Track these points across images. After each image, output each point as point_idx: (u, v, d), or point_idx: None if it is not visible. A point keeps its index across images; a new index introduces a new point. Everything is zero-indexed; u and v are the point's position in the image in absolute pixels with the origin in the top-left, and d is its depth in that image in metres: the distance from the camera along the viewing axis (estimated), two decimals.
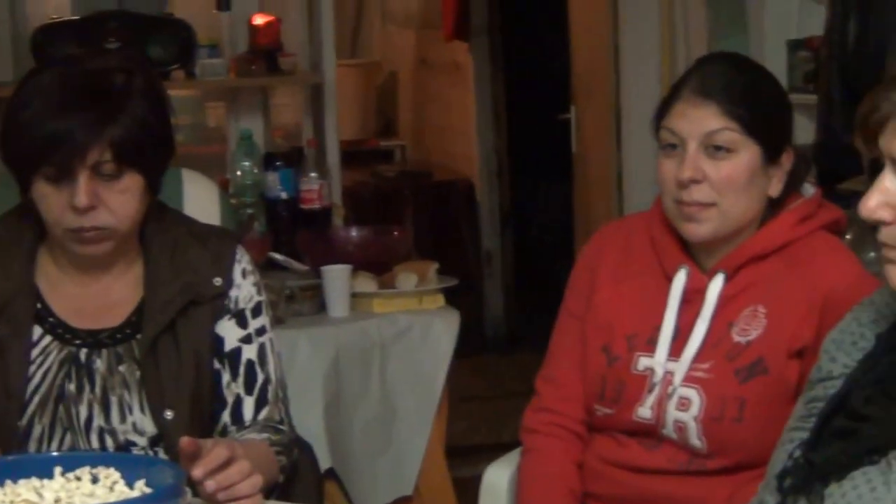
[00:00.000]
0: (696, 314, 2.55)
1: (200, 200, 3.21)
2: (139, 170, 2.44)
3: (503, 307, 7.67)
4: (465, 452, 4.59)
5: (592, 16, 5.81)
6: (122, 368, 2.52)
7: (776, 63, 4.05)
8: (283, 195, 4.31)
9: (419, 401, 3.97)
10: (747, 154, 2.53)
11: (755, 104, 2.58)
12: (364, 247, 4.43)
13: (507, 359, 7.24)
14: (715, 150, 2.51)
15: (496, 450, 3.15)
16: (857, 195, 2.34)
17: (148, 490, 2.00)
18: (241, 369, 2.59)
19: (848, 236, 2.77)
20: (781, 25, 4.50)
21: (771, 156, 2.56)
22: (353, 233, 4.59)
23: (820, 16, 3.92)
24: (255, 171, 4.35)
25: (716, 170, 2.50)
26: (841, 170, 3.35)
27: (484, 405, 6.14)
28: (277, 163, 4.37)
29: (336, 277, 3.71)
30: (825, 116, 3.83)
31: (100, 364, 2.52)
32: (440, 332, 3.99)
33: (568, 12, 6.17)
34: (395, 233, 4.76)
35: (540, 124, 7.34)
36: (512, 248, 7.90)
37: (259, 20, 4.76)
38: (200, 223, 2.73)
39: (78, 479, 2.03)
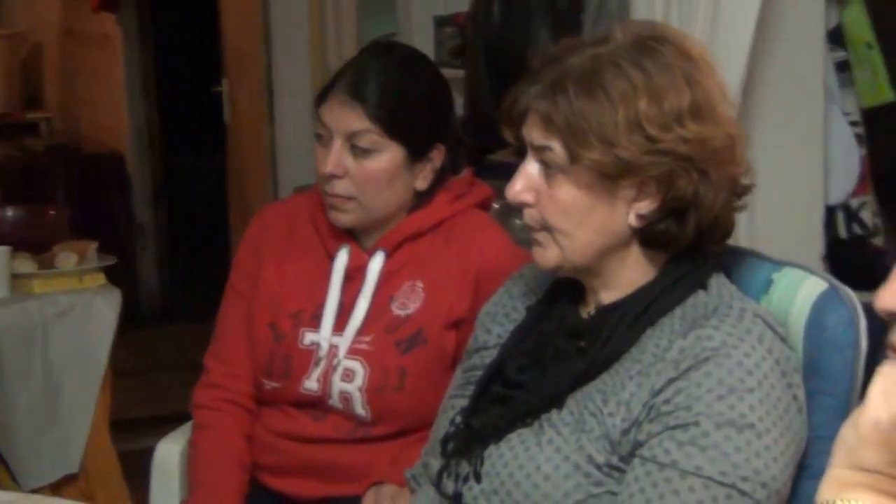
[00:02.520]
0: (359, 290, 2.58)
1: None
2: None
3: (157, 281, 7.55)
4: (124, 427, 4.51)
5: None
6: None
7: (424, 39, 4.06)
8: None
9: (83, 378, 3.88)
10: (389, 154, 2.55)
11: (400, 108, 2.59)
12: (20, 227, 4.28)
13: (161, 332, 7.14)
14: (358, 149, 2.54)
15: (155, 423, 3.15)
16: (504, 166, 2.42)
17: None
18: None
19: (496, 205, 2.86)
20: (428, 2, 4.50)
21: (416, 154, 2.60)
22: (9, 212, 4.40)
23: None
24: None
25: (357, 167, 2.53)
26: (489, 142, 3.35)
27: (140, 379, 6.05)
28: None
29: None
30: (473, 93, 3.82)
31: None
32: (102, 309, 3.91)
33: None
34: (52, 212, 4.59)
35: (192, 97, 7.17)
36: (165, 221, 7.76)
37: None
38: None
39: None
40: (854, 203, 3.42)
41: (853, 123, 3.42)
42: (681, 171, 1.88)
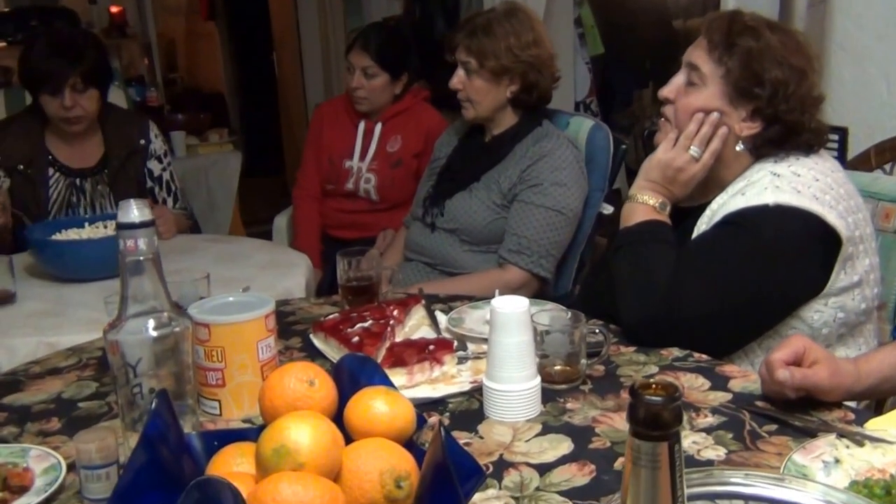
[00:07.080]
0: (371, 140, 3.34)
1: None
2: (96, 86, 2.91)
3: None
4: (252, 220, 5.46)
5: None
6: (99, 188, 2.97)
7: None
8: None
9: (226, 194, 4.92)
10: (384, 77, 3.37)
11: (389, 52, 3.34)
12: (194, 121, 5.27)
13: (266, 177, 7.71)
14: (367, 75, 3.33)
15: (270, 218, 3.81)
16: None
17: None
18: (164, 185, 3.13)
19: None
20: None
21: (396, 76, 3.37)
22: (179, 116, 5.37)
23: None
24: None
25: (369, 84, 3.35)
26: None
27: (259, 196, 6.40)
28: None
29: None
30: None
31: (87, 186, 2.98)
32: (233, 162, 5.01)
33: None
34: (202, 115, 5.55)
35: (256, 61, 8.46)
36: (247, 128, 8.65)
37: None
38: (122, 109, 3.18)
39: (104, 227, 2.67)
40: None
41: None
42: (532, 70, 2.57)
